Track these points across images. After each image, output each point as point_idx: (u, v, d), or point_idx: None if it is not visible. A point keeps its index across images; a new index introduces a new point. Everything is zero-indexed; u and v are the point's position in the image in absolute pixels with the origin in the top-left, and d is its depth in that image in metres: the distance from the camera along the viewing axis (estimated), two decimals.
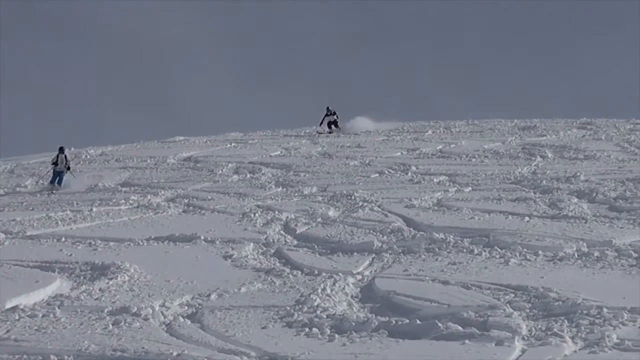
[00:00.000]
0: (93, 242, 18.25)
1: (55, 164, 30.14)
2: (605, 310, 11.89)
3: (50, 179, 29.65)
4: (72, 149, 41.26)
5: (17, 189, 28.73)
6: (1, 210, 23.93)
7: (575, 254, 15.49)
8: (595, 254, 15.37)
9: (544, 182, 24.05)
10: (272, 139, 42.59)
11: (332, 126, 43.15)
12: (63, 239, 18.69)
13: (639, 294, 12.70)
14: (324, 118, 43.62)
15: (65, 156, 30.45)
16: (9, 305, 13.63)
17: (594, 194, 21.42)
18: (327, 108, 43.66)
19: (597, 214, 19.09)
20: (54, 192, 28.16)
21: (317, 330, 11.87)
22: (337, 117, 43.55)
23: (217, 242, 18.01)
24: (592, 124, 41.57)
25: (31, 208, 23.95)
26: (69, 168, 30.42)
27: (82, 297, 14.07)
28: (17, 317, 12.93)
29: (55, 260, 16.58)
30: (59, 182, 29.21)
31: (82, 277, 15.39)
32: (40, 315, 13.00)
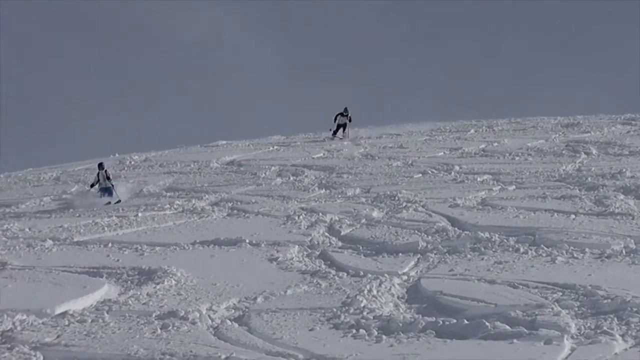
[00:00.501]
0: (139, 247, 18.34)
1: (94, 184, 29.23)
2: None
3: (99, 196, 28.61)
4: (117, 154, 41.61)
5: (64, 195, 28.89)
6: (48, 217, 24.13)
7: (623, 251, 15.41)
8: None
9: (589, 179, 23.92)
10: (314, 141, 42.59)
11: (341, 130, 40.85)
12: (110, 245, 18.80)
13: None
14: (335, 121, 41.08)
15: (106, 171, 29.48)
16: (58, 311, 13.73)
17: None
18: (345, 109, 40.98)
19: None
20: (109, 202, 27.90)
21: (364, 331, 11.87)
22: (348, 120, 40.81)
23: (262, 245, 18.05)
24: (637, 119, 41.26)
25: (77, 214, 24.11)
26: (109, 179, 29.24)
27: (130, 302, 14.15)
28: (66, 323, 13.01)
29: (102, 266, 16.69)
30: (109, 195, 28.20)
31: (129, 282, 15.48)
32: (89, 320, 13.08)
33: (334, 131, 40.37)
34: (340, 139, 39.73)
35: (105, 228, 21.01)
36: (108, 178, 28.97)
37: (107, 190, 28.45)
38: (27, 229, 21.37)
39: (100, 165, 29.53)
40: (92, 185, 29.24)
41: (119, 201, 27.44)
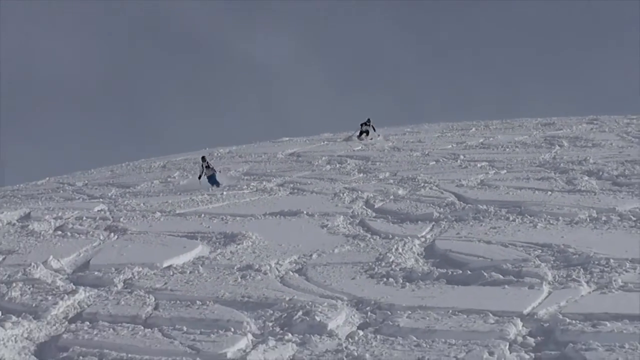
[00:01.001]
0: (224, 217, 18.42)
1: (201, 175, 27.35)
2: (611, 260, 11.77)
3: (207, 185, 26.90)
4: (207, 148, 41.81)
5: (168, 179, 29.10)
6: (157, 195, 24.32)
7: (587, 219, 15.28)
8: (603, 218, 15.15)
9: (561, 165, 23.69)
10: (354, 137, 42.56)
11: (363, 134, 38.74)
12: (203, 215, 18.89)
13: (637, 248, 12.52)
14: (362, 125, 39.20)
15: (208, 163, 27.96)
16: (165, 264, 13.89)
17: (601, 173, 21.08)
18: (368, 119, 39.11)
19: (603, 188, 18.78)
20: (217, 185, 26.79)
21: (392, 280, 11.90)
22: (369, 125, 38.83)
23: (316, 215, 18.05)
24: (598, 119, 40.80)
25: (179, 193, 24.30)
26: (209, 168, 27.70)
27: (217, 258, 14.24)
28: (171, 274, 13.15)
29: (197, 231, 16.80)
30: (216, 184, 26.71)
31: (217, 243, 15.56)
32: (188, 271, 13.21)
33: (358, 135, 38.98)
34: (362, 140, 38.37)
35: (199, 203, 21.10)
36: (208, 167, 27.60)
37: (212, 178, 27.21)
38: (142, 204, 21.56)
39: (203, 158, 28.33)
40: (200, 177, 27.35)
41: (218, 184, 26.75)
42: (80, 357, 9.50)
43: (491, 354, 8.53)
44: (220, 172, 28.41)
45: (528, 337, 9.08)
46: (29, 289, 12.58)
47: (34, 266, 13.91)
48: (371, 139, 37.93)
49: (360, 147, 35.76)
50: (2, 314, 11.38)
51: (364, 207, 18.94)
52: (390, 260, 13.13)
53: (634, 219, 14.91)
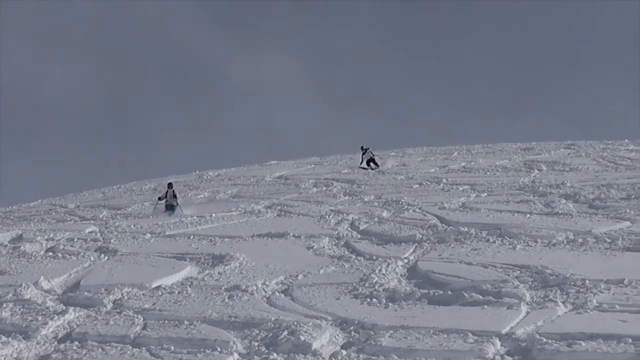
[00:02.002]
0: (213, 239, 18.36)
1: (161, 198, 26.80)
2: (587, 281, 11.78)
3: (164, 210, 26.17)
4: (197, 171, 41.77)
5: (159, 202, 29.04)
6: (147, 217, 24.25)
7: (565, 241, 15.30)
8: (579, 240, 15.18)
9: (540, 188, 23.77)
10: (340, 160, 42.60)
11: (372, 163, 36.62)
12: (192, 237, 18.84)
13: (612, 269, 12.56)
14: (362, 157, 37.35)
15: (174, 191, 26.99)
16: (154, 285, 13.81)
17: (577, 196, 21.17)
18: (362, 147, 37.49)
19: (580, 211, 18.86)
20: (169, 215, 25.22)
21: (376, 300, 11.88)
22: (372, 154, 37.10)
23: (302, 237, 18.03)
24: (575, 144, 41.08)
25: (168, 215, 24.23)
26: (175, 197, 26.77)
27: (206, 279, 14.18)
28: (160, 294, 13.08)
29: (186, 252, 16.73)
30: (172, 211, 25.78)
31: (205, 264, 15.50)
32: (177, 292, 13.14)
33: (364, 166, 36.72)
34: (373, 169, 36.04)
35: (189, 225, 21.03)
36: (174, 196, 26.73)
37: (172, 208, 26.19)
38: (132, 226, 21.48)
39: (170, 185, 27.55)
40: (159, 199, 26.82)
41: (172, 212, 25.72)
42: None
43: None
44: (182, 210, 26.04)
45: (506, 356, 9.08)
46: (19, 309, 12.48)
47: (24, 287, 13.79)
48: (374, 168, 36.34)
49: (346, 170, 35.84)
50: None
51: (349, 229, 18.94)
52: (374, 280, 13.11)
53: (609, 240, 14.96)
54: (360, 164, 37.09)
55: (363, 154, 37.22)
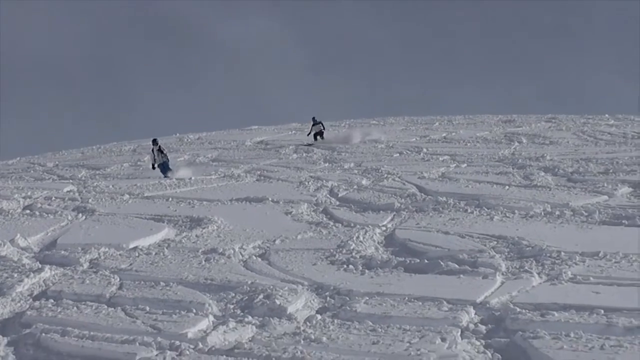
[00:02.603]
0: (191, 202, 18.34)
1: (154, 163, 25.02)
2: (562, 253, 11.83)
3: (161, 173, 24.57)
4: (177, 134, 41.58)
5: (138, 163, 28.91)
6: (127, 178, 24.16)
7: (542, 213, 15.35)
8: (557, 213, 15.24)
9: (519, 160, 23.85)
10: (343, 126, 42.53)
11: (318, 137, 35.09)
12: (170, 199, 18.81)
13: (588, 242, 12.61)
14: (311, 129, 35.55)
15: (160, 147, 25.10)
16: (131, 246, 13.80)
17: (556, 169, 21.23)
18: (313, 118, 35.72)
19: (558, 184, 18.91)
20: (169, 177, 23.78)
21: (352, 267, 11.89)
22: (323, 127, 35.48)
23: (281, 202, 18.04)
24: (556, 118, 41.20)
25: (148, 177, 24.13)
26: (162, 153, 25.03)
27: (183, 241, 14.16)
28: (137, 255, 13.06)
29: (164, 214, 16.71)
30: (167, 171, 24.42)
31: (183, 227, 15.49)
32: (154, 253, 13.14)
33: (312, 141, 34.81)
34: (314, 142, 34.50)
35: (167, 187, 21.01)
36: (161, 151, 24.98)
37: (164, 165, 24.77)
38: (110, 186, 21.44)
39: (155, 142, 25.37)
40: (153, 166, 24.98)
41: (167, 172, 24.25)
42: (43, 334, 9.40)
43: (443, 339, 8.56)
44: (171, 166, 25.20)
45: (480, 325, 9.12)
46: None
47: (1, 244, 13.77)
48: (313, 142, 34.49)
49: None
50: None
51: (328, 195, 18.95)
52: (351, 247, 13.13)
53: (586, 214, 15.03)
54: (308, 134, 35.75)
55: (313, 125, 35.60)
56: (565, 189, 18.10)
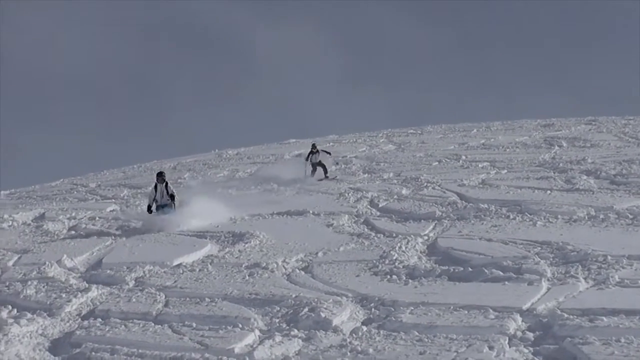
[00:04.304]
0: (233, 217, 18.43)
1: (151, 205, 18.56)
2: (609, 257, 11.72)
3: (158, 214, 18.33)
4: (216, 150, 41.82)
5: (178, 180, 29.10)
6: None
7: (586, 217, 15.24)
8: (601, 216, 15.11)
9: (560, 164, 23.67)
10: (359, 138, 42.53)
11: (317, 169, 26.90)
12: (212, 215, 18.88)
13: (634, 245, 12.50)
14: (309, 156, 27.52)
15: (167, 184, 18.82)
16: (175, 263, 13.90)
17: (599, 172, 21.05)
18: (313, 145, 28.22)
19: (601, 187, 18.75)
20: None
21: (396, 277, 11.89)
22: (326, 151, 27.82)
23: (322, 214, 18.08)
24: (596, 120, 40.84)
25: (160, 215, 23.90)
26: (172, 198, 18.60)
27: (226, 257, 14.24)
28: (181, 272, 13.15)
29: (206, 231, 16.82)
30: (165, 213, 18.32)
31: (226, 242, 15.57)
32: (197, 270, 13.22)
33: (312, 173, 27.02)
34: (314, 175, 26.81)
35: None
36: (169, 193, 18.67)
37: (164, 208, 18.55)
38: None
39: (160, 176, 18.88)
40: (149, 208, 18.51)
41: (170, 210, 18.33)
42: (93, 353, 9.51)
43: (491, 348, 8.52)
44: (174, 211, 18.55)
45: (527, 332, 9.07)
46: (44, 287, 12.61)
47: (48, 265, 13.95)
48: (325, 176, 26.25)
49: (364, 148, 35.66)
50: (17, 312, 11.40)
51: (368, 206, 18.95)
52: (394, 257, 13.12)
53: (631, 216, 14.88)
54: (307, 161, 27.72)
55: (311, 153, 27.62)
56: (609, 192, 17.93)
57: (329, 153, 27.66)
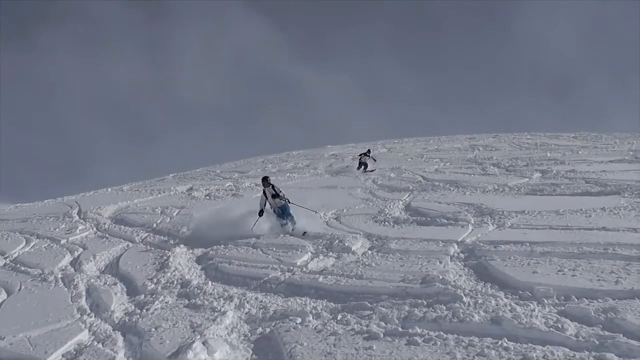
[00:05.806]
0: (297, 189, 18.36)
1: (262, 209, 11.57)
2: (504, 212, 11.54)
3: (277, 218, 11.73)
4: (287, 152, 41.47)
5: (265, 168, 29.06)
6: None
7: (492, 190, 14.90)
8: (500, 189, 14.74)
9: (479, 160, 22.99)
10: (367, 145, 42.07)
11: (363, 167, 23.23)
12: (285, 188, 18.82)
13: (518, 205, 12.21)
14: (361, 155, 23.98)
15: (273, 186, 11.86)
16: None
17: (500, 165, 20.34)
18: (368, 150, 24.81)
19: (501, 173, 18.22)
20: (289, 232, 11.38)
21: (387, 223, 11.91)
22: (373, 158, 24.06)
23: (345, 188, 18.05)
24: (498, 135, 39.24)
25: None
26: (278, 196, 11.81)
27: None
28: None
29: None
30: (287, 216, 11.65)
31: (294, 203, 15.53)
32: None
33: (357, 167, 23.47)
34: (360, 170, 23.01)
35: (282, 180, 21.07)
36: (276, 194, 11.77)
37: (284, 210, 11.76)
38: (252, 183, 21.64)
39: (265, 180, 11.90)
40: (261, 213, 11.56)
41: (305, 233, 11.04)
42: (219, 263, 9.71)
43: (440, 262, 8.57)
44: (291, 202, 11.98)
45: (460, 254, 9.07)
46: (192, 226, 12.87)
47: (195, 214, 14.16)
48: (371, 170, 22.67)
49: (385, 150, 35.07)
50: (178, 241, 11.64)
51: (372, 183, 18.89)
52: (386, 212, 13.12)
53: (516, 189, 14.65)
54: (358, 167, 23.48)
55: (362, 154, 24.06)
56: (505, 175, 17.50)
57: (375, 160, 24.45)
